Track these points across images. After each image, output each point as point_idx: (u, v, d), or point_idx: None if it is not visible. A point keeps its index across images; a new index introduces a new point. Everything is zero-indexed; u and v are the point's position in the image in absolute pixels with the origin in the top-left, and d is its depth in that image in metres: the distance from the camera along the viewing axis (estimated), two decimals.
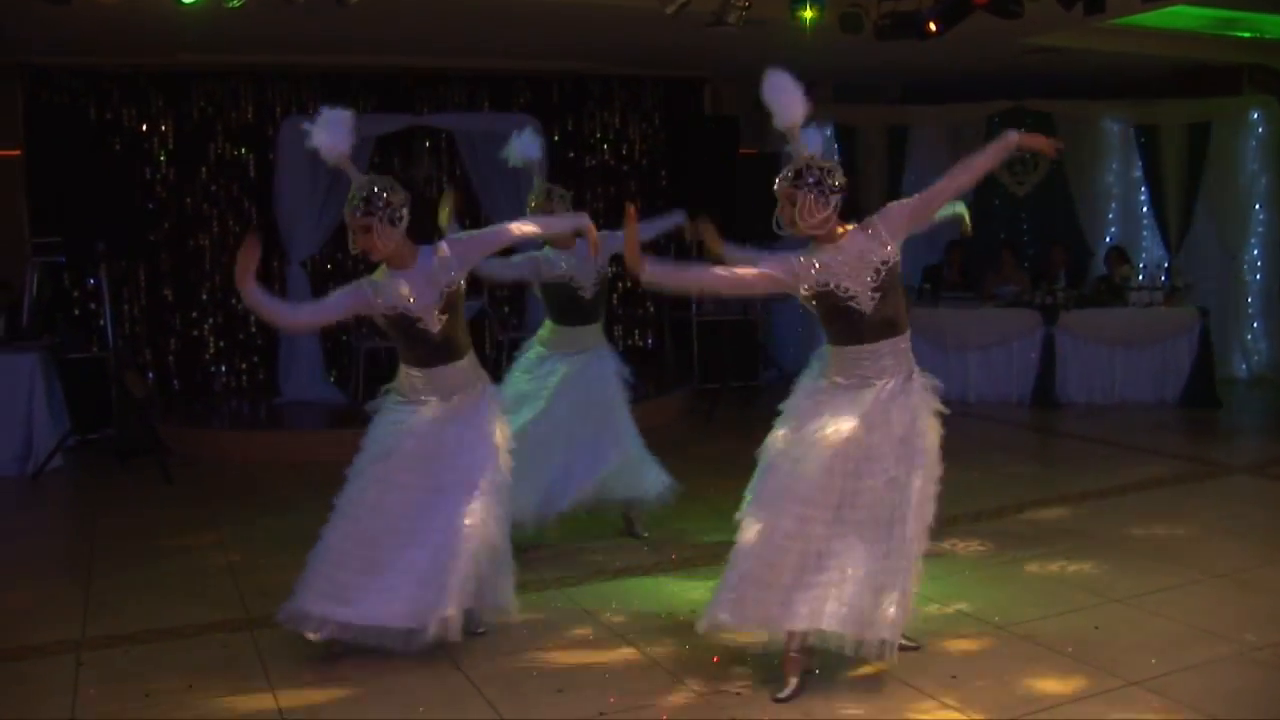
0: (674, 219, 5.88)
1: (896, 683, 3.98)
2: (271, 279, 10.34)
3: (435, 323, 4.33)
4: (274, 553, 5.79)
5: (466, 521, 4.25)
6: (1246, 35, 10.08)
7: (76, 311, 9.71)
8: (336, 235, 9.92)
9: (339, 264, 10.28)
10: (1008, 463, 7.56)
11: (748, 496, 4.06)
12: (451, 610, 4.14)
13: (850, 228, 4.00)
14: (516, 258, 5.74)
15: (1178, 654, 4.16)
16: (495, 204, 9.91)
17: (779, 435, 4.07)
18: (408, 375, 4.45)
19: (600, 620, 4.74)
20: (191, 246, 10.25)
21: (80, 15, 7.13)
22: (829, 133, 11.45)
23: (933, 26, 7.50)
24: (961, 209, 4.83)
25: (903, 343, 4.06)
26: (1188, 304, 10.04)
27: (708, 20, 7.74)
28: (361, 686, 4.09)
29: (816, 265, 3.95)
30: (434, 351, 4.38)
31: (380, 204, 4.20)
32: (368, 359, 9.32)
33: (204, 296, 10.34)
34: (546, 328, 5.90)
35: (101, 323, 8.77)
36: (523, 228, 4.65)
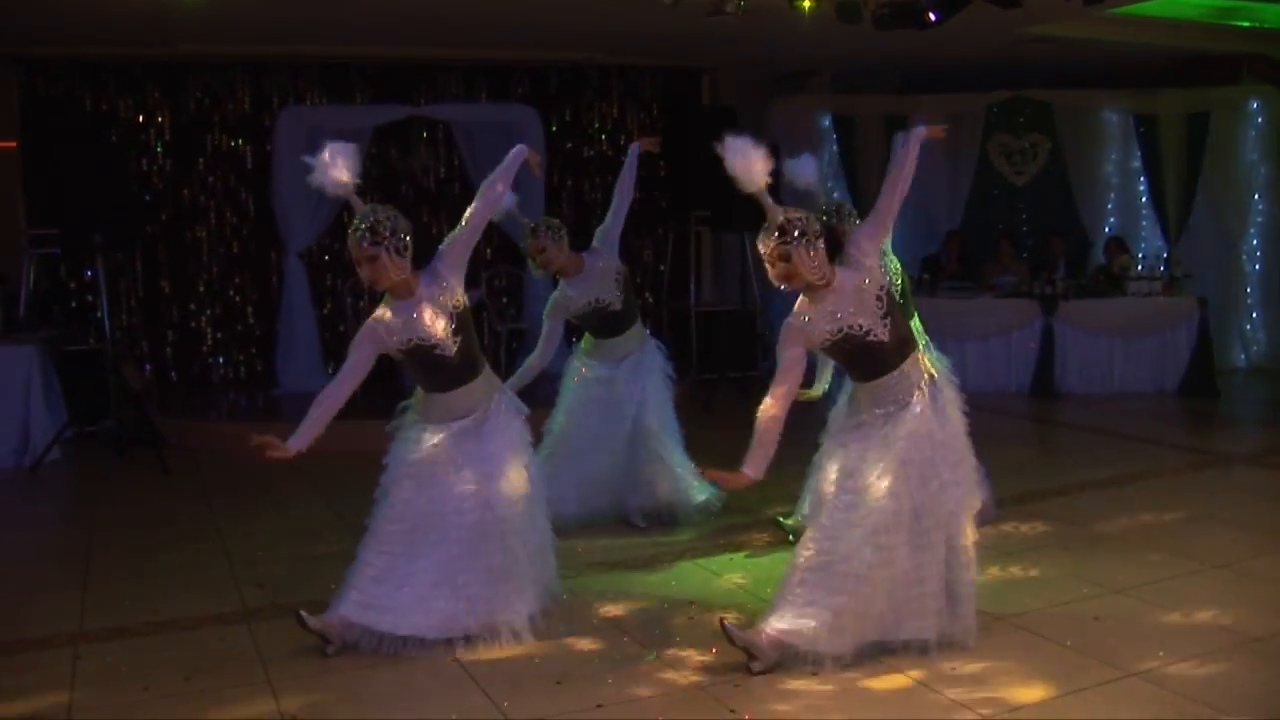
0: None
1: (894, 675, 3.97)
2: (269, 271, 10.35)
3: (452, 346, 4.32)
4: (272, 545, 5.80)
5: (498, 529, 4.34)
6: (1246, 25, 10.06)
7: (73, 304, 9.68)
8: (334, 226, 9.90)
9: (336, 255, 10.25)
10: (1006, 453, 7.54)
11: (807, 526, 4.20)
12: (519, 620, 4.34)
13: (836, 268, 4.06)
14: (546, 318, 5.75)
15: (1178, 645, 4.16)
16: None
17: (830, 478, 4.21)
18: (429, 400, 4.44)
19: (599, 612, 4.73)
20: (189, 238, 10.21)
21: (76, 5, 7.11)
22: (826, 123, 11.43)
23: (931, 16, 7.47)
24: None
25: (918, 353, 4.18)
26: (1187, 294, 10.04)
27: (706, 10, 7.71)
28: (359, 678, 4.08)
29: (821, 317, 4.01)
30: (455, 374, 4.38)
31: (386, 233, 4.15)
32: None
33: (201, 288, 10.30)
34: (587, 340, 5.99)
35: (98, 315, 8.76)
36: (486, 198, 4.45)
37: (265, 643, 4.43)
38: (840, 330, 4.01)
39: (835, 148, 11.35)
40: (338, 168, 4.18)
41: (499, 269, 10.54)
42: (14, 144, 9.16)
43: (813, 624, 3.98)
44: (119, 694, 3.98)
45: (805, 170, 5.03)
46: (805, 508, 5.37)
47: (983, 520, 4.96)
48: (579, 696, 3.88)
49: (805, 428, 4.40)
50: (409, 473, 4.37)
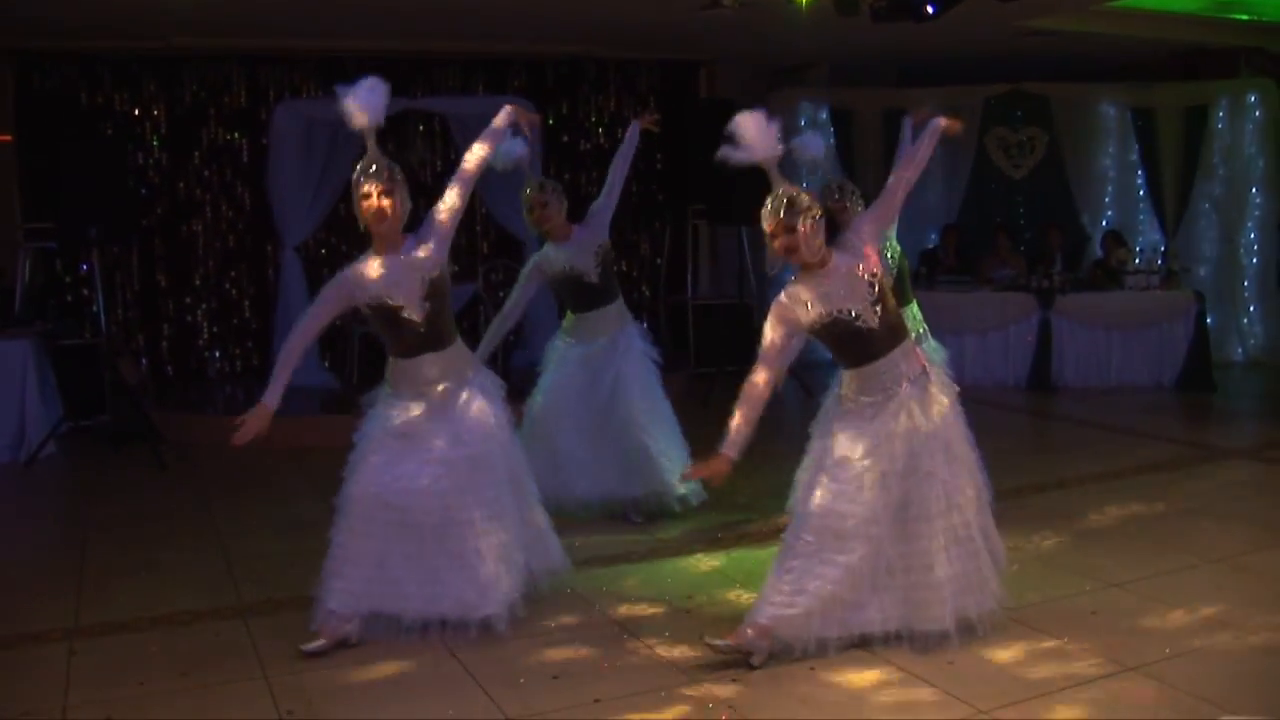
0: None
1: (891, 668, 3.97)
2: (266, 265, 10.33)
3: (419, 311, 4.29)
4: (268, 539, 5.79)
5: (477, 513, 4.29)
6: (1244, 18, 10.04)
7: (69, 298, 9.64)
8: (330, 220, 9.88)
9: (333, 249, 10.22)
10: (1003, 447, 7.52)
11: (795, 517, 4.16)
12: (494, 609, 4.25)
13: (832, 250, 4.07)
14: (520, 279, 5.85)
15: (1176, 639, 4.16)
16: (489, 188, 9.83)
17: (817, 468, 4.15)
18: (395, 365, 4.42)
19: (596, 607, 4.72)
20: (184, 232, 10.18)
21: None
22: (824, 116, 11.42)
23: (928, 9, 7.45)
24: None
25: (909, 343, 4.17)
26: (1184, 288, 10.04)
27: (703, 3, 7.71)
28: (356, 673, 4.07)
29: (813, 299, 4.01)
30: (421, 340, 4.34)
31: (399, 178, 4.24)
32: (362, 344, 9.28)
33: (197, 282, 10.28)
34: (567, 318, 5.99)
35: (94, 309, 8.74)
36: (470, 161, 4.46)
37: (262, 638, 4.42)
38: (830, 313, 4.01)
39: (833, 140, 11.33)
40: (370, 98, 4.25)
41: (496, 262, 10.51)
42: (9, 138, 9.13)
43: (799, 613, 3.99)
44: (115, 689, 3.96)
45: (813, 145, 5.08)
46: (794, 499, 5.36)
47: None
48: (576, 692, 3.87)
49: (805, 419, 4.39)
50: (377, 448, 4.31)
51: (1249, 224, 11.06)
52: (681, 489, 5.83)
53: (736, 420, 4.01)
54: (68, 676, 4.08)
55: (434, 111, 10.43)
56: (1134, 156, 11.34)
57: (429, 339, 4.35)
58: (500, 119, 4.60)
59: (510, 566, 4.38)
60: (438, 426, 4.34)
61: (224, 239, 10.32)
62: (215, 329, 10.39)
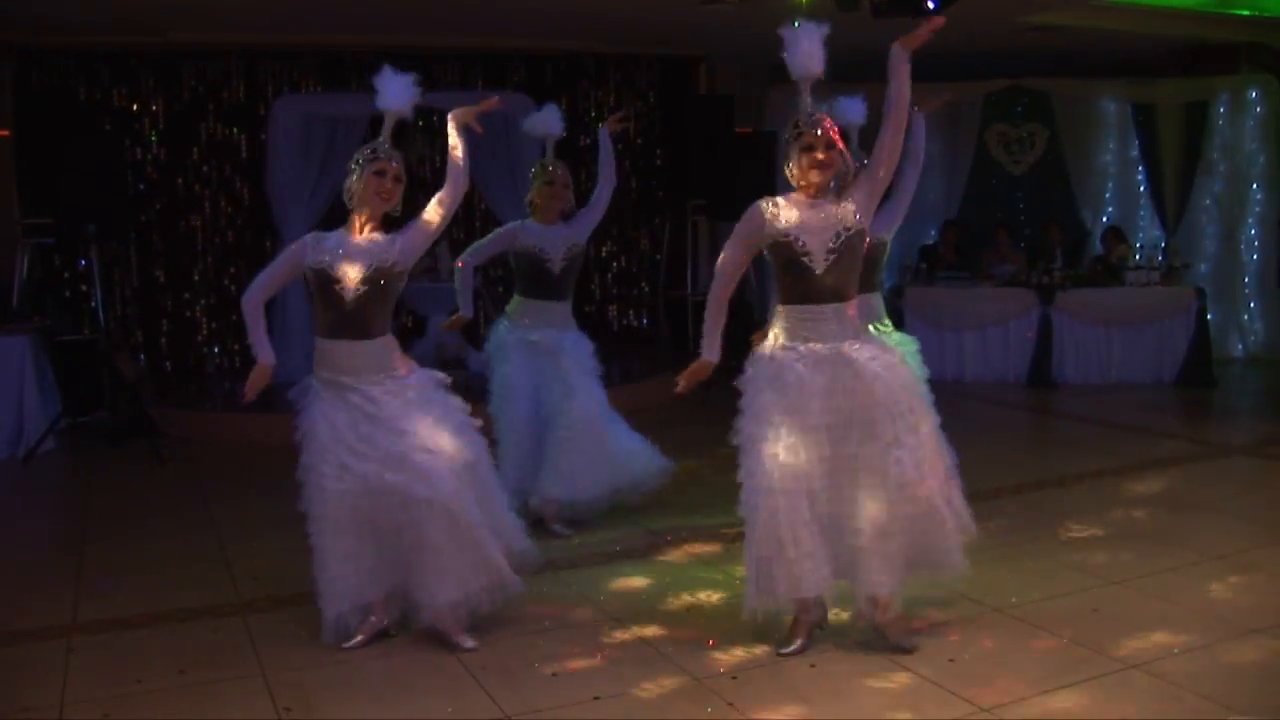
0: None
1: (893, 666, 3.96)
2: (264, 260, 10.27)
3: (351, 288, 4.20)
4: (266, 536, 5.76)
5: (417, 513, 4.18)
6: (1245, 13, 10.02)
7: (67, 293, 9.64)
8: (329, 215, 9.85)
9: None
10: (1003, 443, 7.54)
11: (743, 484, 4.11)
12: (450, 599, 4.17)
13: (830, 191, 4.13)
14: (497, 230, 6.00)
15: (1176, 636, 4.15)
16: (488, 183, 9.83)
17: (752, 423, 4.13)
18: (319, 348, 4.34)
19: (593, 603, 4.72)
20: (183, 227, 10.17)
21: None
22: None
23: (929, 4, 7.44)
24: None
25: (849, 310, 4.14)
26: (1184, 284, 10.02)
27: None
28: (353, 671, 4.07)
29: (786, 213, 4.09)
30: (344, 321, 4.22)
31: (403, 166, 4.31)
32: None
33: (196, 278, 10.27)
34: (514, 301, 5.99)
35: (93, 305, 8.73)
36: (438, 206, 4.44)
37: (260, 635, 4.41)
38: (787, 234, 4.05)
39: None
40: (401, 89, 4.32)
41: (496, 259, 10.48)
42: (8, 133, 9.11)
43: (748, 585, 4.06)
44: (113, 686, 3.95)
45: (854, 110, 5.04)
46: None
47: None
48: (574, 690, 3.86)
49: None
50: (324, 455, 4.32)
51: (1249, 220, 11.06)
52: (653, 463, 5.84)
53: (708, 327, 4.33)
54: (65, 674, 4.07)
55: (433, 107, 10.39)
56: (1134, 152, 11.34)
57: (351, 322, 4.22)
58: (459, 152, 4.60)
59: (464, 565, 4.22)
60: (375, 425, 4.24)
61: (223, 234, 10.30)
62: (214, 325, 10.38)
